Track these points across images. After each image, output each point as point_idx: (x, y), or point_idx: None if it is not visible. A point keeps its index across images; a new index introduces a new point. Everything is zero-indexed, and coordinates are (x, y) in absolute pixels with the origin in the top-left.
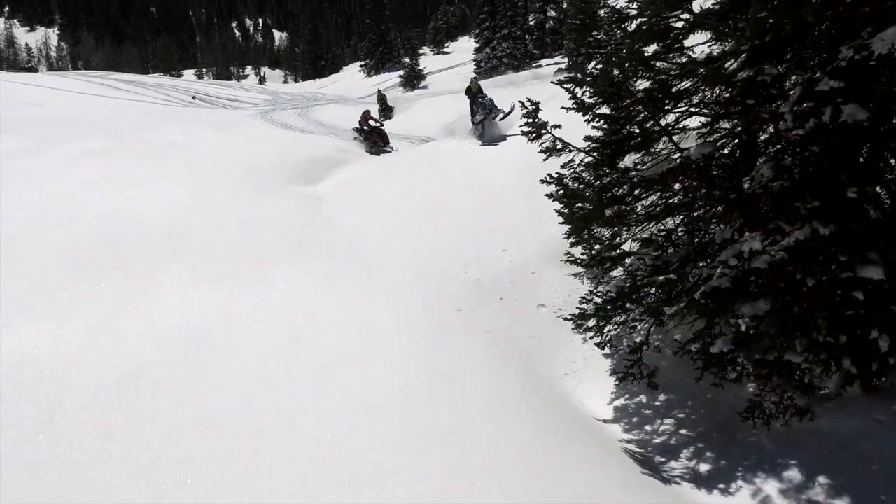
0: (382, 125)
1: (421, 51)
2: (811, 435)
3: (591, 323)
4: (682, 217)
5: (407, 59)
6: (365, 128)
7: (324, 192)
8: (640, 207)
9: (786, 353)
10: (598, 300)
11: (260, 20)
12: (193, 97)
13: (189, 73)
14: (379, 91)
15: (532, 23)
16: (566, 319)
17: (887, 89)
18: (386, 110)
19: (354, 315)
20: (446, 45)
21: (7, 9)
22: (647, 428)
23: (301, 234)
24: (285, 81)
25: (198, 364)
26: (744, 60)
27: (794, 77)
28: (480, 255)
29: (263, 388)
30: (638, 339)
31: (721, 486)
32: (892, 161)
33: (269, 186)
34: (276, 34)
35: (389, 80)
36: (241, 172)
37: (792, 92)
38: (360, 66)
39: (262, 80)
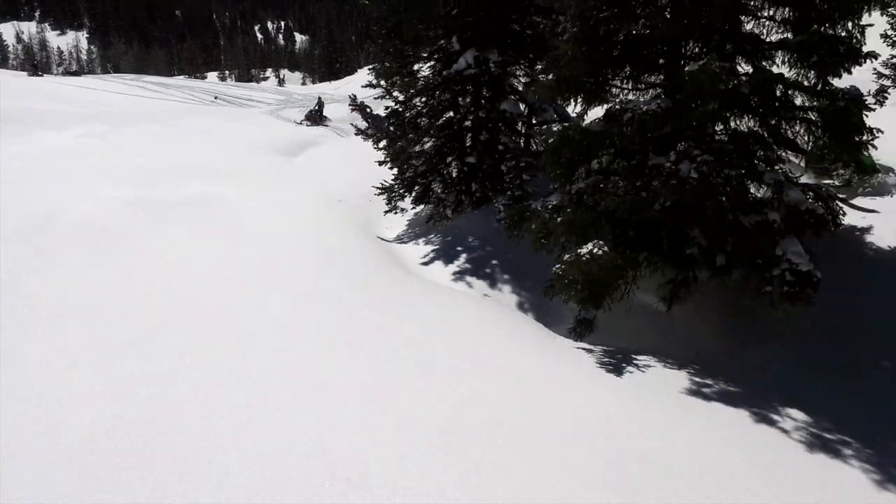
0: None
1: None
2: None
3: (386, 198)
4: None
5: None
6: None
7: (297, 159)
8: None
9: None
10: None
11: (282, 23)
12: (215, 97)
13: (212, 76)
14: (319, 98)
15: None
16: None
17: None
18: (320, 117)
19: (299, 201)
20: None
21: (38, 13)
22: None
23: (278, 174)
24: (303, 83)
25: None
26: None
27: None
28: (355, 184)
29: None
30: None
31: (434, 267)
32: None
33: (262, 154)
34: (298, 37)
35: None
36: (244, 146)
37: None
38: (369, 69)
39: (281, 82)
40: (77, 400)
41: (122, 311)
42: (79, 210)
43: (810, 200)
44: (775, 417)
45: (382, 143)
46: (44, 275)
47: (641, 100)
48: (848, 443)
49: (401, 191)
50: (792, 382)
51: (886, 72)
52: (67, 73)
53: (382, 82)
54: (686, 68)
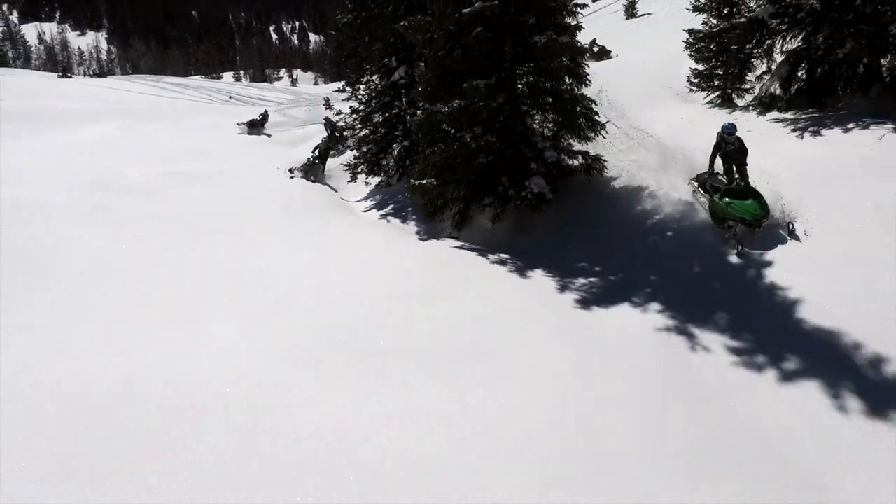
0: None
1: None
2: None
3: (350, 173)
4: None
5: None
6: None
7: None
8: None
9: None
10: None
11: (297, 23)
12: (230, 97)
13: (228, 76)
14: (266, 111)
15: None
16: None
17: None
18: (262, 125)
19: (276, 175)
20: None
21: (58, 14)
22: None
23: (269, 154)
24: (315, 83)
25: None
26: None
27: None
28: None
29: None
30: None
31: (371, 213)
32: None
33: (261, 144)
34: (312, 37)
35: None
36: (248, 139)
37: None
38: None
39: (294, 82)
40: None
41: (169, 225)
42: (128, 177)
43: (565, 159)
44: (532, 269)
45: (351, 136)
46: (112, 212)
47: (456, 103)
48: (573, 275)
49: (359, 167)
50: (540, 252)
51: None
52: (95, 74)
53: (348, 88)
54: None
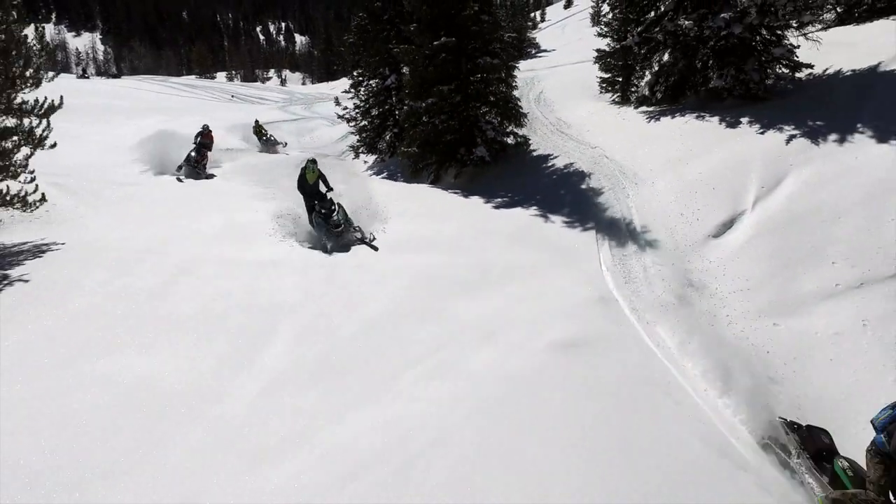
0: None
1: None
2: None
3: (354, 152)
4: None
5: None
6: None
7: (303, 137)
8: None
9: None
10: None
11: (283, 24)
12: (232, 96)
13: (221, 76)
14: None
15: None
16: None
17: None
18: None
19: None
20: None
21: (54, 15)
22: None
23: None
24: (303, 83)
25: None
26: None
27: None
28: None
29: None
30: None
31: (373, 176)
32: None
33: (282, 133)
34: (298, 38)
35: None
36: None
37: None
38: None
39: (283, 82)
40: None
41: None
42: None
43: (501, 137)
44: (472, 196)
45: (354, 125)
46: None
47: (430, 100)
48: (495, 197)
49: (360, 147)
50: (481, 190)
51: None
52: (111, 75)
53: (352, 90)
54: (440, 88)
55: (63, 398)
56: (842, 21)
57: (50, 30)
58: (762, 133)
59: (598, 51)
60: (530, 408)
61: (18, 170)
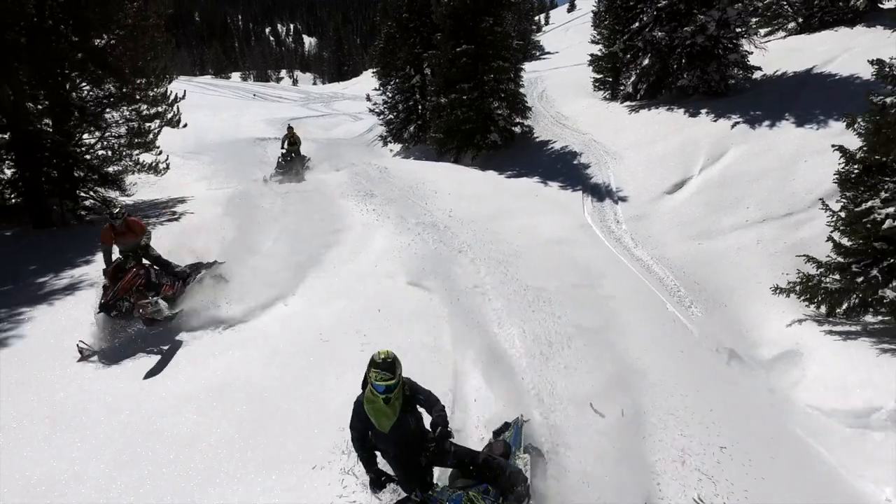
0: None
1: None
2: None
3: (382, 141)
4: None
5: None
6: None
7: (331, 132)
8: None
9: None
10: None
11: (291, 25)
12: (254, 94)
13: (235, 76)
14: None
15: None
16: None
17: None
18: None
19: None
20: None
21: None
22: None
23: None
24: (314, 83)
25: None
26: None
27: None
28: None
29: None
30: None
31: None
32: None
33: (322, 126)
34: (306, 39)
35: None
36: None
37: None
38: (373, 72)
39: (295, 82)
40: None
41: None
42: (246, 133)
43: (511, 127)
44: (488, 170)
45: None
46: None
47: (453, 95)
48: (505, 171)
49: (388, 137)
50: (494, 166)
51: None
52: None
53: (381, 87)
54: (461, 86)
55: None
56: (801, 30)
57: None
58: (715, 121)
59: (591, 55)
60: (537, 262)
61: (151, 146)
